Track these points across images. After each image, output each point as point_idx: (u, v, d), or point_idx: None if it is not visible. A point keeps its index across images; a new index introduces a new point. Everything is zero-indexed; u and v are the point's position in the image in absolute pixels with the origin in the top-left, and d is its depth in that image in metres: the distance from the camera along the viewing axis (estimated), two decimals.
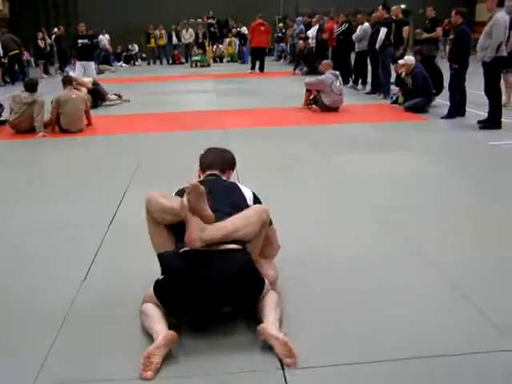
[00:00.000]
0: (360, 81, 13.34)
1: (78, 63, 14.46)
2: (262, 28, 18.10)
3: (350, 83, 13.64)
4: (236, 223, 2.87)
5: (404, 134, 7.97)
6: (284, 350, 2.55)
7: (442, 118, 8.97)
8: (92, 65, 14.54)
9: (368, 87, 12.74)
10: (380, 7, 11.43)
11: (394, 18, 11.38)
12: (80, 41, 14.19)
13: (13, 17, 27.03)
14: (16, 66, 18.23)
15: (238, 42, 24.59)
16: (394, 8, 11.73)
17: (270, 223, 3.16)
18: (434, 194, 5.17)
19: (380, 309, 3.04)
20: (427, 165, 6.19)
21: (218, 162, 3.44)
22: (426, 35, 11.75)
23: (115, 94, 12.16)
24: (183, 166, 5.38)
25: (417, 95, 9.62)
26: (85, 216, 4.76)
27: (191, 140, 7.52)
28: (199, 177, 3.43)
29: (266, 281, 2.96)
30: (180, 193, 3.03)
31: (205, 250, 2.78)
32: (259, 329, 2.64)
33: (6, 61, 17.43)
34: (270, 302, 2.84)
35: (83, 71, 13.78)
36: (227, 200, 3.07)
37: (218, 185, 3.23)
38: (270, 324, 2.67)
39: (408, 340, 2.70)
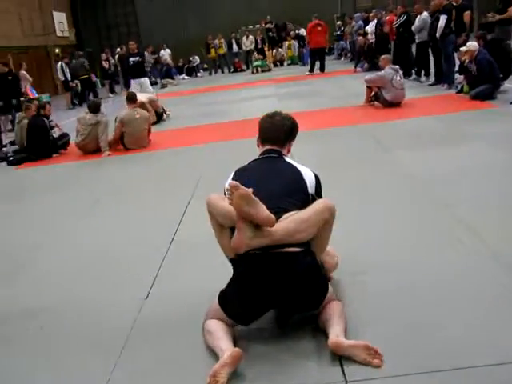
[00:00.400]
0: (423, 72, 12.95)
1: (132, 82, 14.17)
2: (319, 28, 17.94)
3: (413, 76, 13.29)
4: (290, 228, 2.71)
5: (472, 124, 7.62)
6: (367, 352, 2.48)
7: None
8: (147, 81, 14.40)
9: (432, 78, 12.34)
10: None
11: (453, 3, 10.99)
12: (131, 59, 14.04)
13: (79, 41, 28.11)
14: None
15: (297, 45, 24.46)
16: None
17: None
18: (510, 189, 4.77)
19: (451, 313, 2.87)
20: (500, 156, 5.80)
21: (280, 133, 3.23)
22: (497, 17, 11.16)
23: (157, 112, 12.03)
24: None
25: (483, 82, 9.22)
26: (148, 234, 4.80)
27: (251, 148, 7.48)
28: (258, 146, 3.33)
29: (330, 287, 2.87)
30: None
31: (267, 252, 2.70)
32: (331, 346, 2.54)
33: (75, 85, 18.05)
34: (334, 311, 2.76)
35: (139, 88, 13.55)
36: (285, 192, 2.92)
37: (277, 172, 3.05)
38: (338, 338, 2.57)
39: (488, 345, 2.54)
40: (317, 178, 3.14)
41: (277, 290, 2.70)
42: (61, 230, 5.27)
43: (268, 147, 3.23)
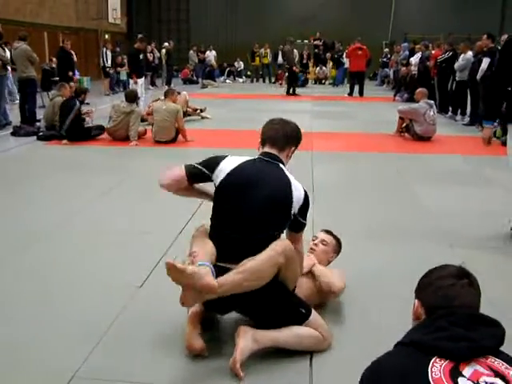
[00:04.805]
0: (459, 111, 12.92)
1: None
2: (360, 52, 17.99)
3: (449, 113, 13.26)
4: (236, 280, 2.63)
5: (496, 168, 7.58)
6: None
7: None
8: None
9: (467, 118, 12.31)
10: (484, 36, 11.00)
11: (499, 47, 10.94)
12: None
13: (129, 31, 28.59)
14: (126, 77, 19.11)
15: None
16: (503, 38, 11.30)
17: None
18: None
19: None
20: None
21: (278, 137, 3.11)
22: None
23: (195, 109, 12.17)
24: None
25: None
26: (157, 223, 4.95)
27: None
28: (258, 149, 3.19)
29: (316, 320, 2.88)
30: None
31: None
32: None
33: (112, 71, 18.46)
34: (293, 329, 2.80)
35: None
36: (268, 206, 2.87)
37: (267, 180, 2.95)
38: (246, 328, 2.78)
39: None
40: (306, 197, 2.98)
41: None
42: (62, 213, 5.33)
43: (266, 149, 3.12)
